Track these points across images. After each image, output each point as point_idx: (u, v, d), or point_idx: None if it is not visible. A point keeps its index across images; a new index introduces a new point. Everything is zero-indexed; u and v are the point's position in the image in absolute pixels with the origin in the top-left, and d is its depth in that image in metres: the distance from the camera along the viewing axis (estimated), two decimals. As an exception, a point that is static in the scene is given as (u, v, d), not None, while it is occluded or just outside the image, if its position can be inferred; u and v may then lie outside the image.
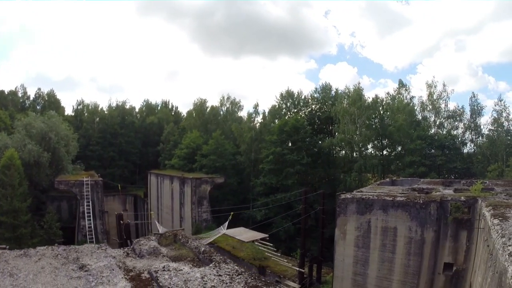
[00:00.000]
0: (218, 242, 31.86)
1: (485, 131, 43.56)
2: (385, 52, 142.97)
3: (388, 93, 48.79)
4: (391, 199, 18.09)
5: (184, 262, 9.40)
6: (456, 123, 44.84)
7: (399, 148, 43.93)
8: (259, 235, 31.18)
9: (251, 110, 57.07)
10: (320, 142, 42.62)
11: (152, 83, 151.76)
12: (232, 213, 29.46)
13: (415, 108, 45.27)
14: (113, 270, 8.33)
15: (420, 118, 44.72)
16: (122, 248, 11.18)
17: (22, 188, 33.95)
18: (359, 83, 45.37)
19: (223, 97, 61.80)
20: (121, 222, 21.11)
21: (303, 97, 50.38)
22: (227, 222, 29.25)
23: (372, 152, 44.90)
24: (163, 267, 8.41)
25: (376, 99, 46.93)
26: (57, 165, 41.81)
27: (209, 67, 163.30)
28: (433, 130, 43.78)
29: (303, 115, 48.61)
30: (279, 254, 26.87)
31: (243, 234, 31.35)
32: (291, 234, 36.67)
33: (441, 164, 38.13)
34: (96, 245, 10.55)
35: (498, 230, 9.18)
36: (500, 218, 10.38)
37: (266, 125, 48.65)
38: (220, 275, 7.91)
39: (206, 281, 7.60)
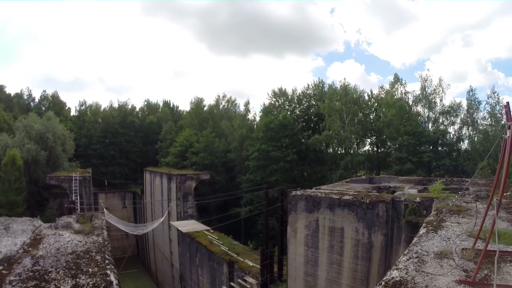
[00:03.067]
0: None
1: (482, 126, 42.17)
2: (392, 48, 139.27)
3: (382, 87, 47.87)
4: (337, 197, 17.10)
5: (81, 234, 11.49)
6: (452, 119, 43.61)
7: (390, 144, 43.10)
8: (203, 227, 32.42)
9: (250, 108, 57.96)
10: (309, 139, 42.22)
11: (160, 83, 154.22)
12: (171, 204, 32.05)
13: (410, 103, 44.20)
14: (25, 232, 10.94)
15: (414, 113, 43.55)
16: (50, 223, 13.69)
17: (18, 183, 36.17)
18: (344, 79, 44.71)
19: (219, 96, 63.49)
20: (66, 206, 25.00)
21: (297, 94, 50.29)
22: (166, 213, 32.84)
23: (369, 148, 44.24)
24: (54, 233, 11.14)
25: (371, 95, 46.37)
26: (53, 163, 44.12)
27: (216, 66, 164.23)
28: (429, 126, 42.68)
29: (298, 112, 48.58)
30: (227, 248, 27.92)
31: (187, 226, 32.55)
32: (275, 231, 36.76)
33: (428, 161, 37.00)
34: (29, 218, 12.94)
35: (412, 244, 8.09)
36: (430, 228, 9.27)
37: (258, 122, 48.88)
38: (80, 241, 10.17)
39: (68, 243, 9.93)
